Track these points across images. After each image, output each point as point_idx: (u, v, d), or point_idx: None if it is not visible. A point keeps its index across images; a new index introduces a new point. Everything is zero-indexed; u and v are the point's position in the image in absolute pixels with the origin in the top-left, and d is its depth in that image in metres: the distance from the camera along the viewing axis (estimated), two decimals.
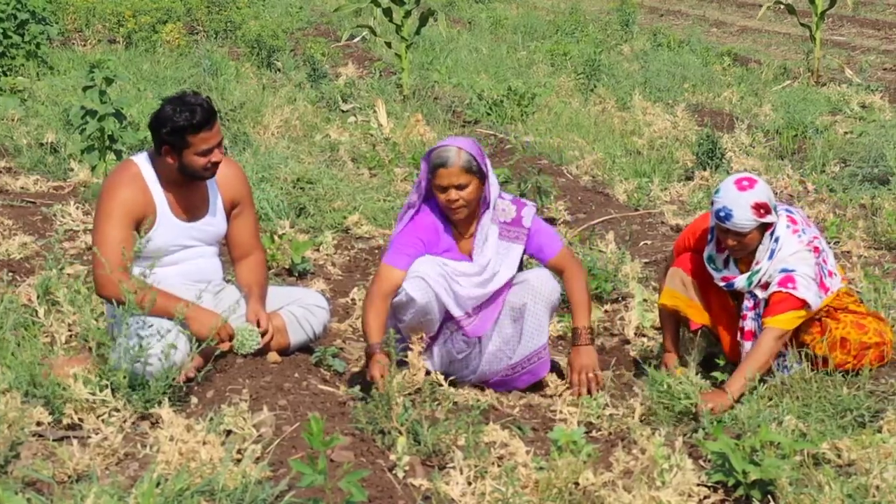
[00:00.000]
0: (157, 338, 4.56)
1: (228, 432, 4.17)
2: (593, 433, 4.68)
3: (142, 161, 4.95)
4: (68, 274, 6.11)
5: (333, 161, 9.46)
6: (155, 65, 13.88)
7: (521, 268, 5.27)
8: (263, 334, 4.96)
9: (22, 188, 8.34)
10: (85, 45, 15.71)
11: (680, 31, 18.52)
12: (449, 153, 4.91)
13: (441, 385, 4.71)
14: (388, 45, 13.38)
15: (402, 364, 4.70)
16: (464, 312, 5.05)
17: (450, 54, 15.20)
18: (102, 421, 4.37)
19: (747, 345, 4.97)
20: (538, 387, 5.22)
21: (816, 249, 4.93)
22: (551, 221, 7.98)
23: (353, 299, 6.33)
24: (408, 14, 12.71)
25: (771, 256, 4.91)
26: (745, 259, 5.01)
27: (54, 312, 5.54)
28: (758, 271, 4.93)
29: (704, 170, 9.03)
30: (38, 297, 5.71)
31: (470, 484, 3.92)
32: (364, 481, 3.69)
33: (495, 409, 4.97)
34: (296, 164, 8.46)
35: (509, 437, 4.28)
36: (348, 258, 7.29)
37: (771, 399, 4.70)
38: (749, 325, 4.98)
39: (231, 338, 4.89)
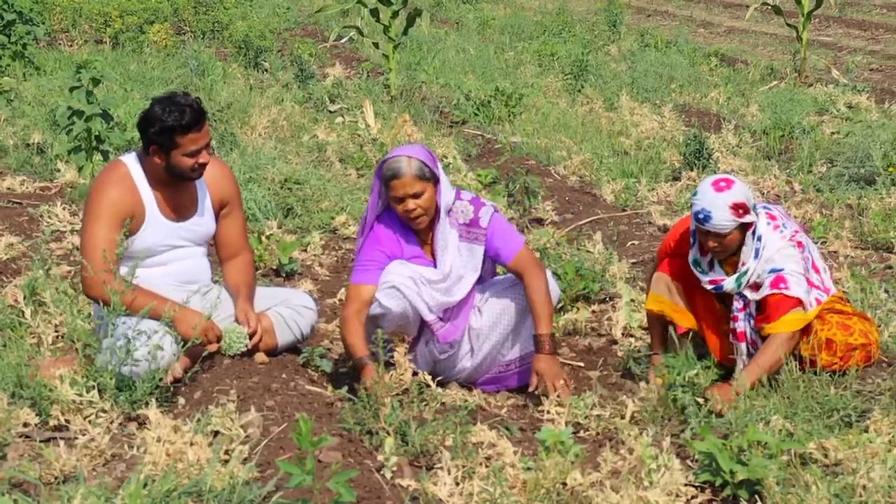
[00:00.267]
0: (144, 339, 4.56)
1: (216, 433, 4.16)
2: (581, 433, 4.68)
3: (130, 161, 4.94)
4: (60, 275, 6.08)
5: (321, 161, 9.45)
6: (142, 65, 13.85)
7: (493, 273, 5.26)
8: (251, 335, 4.96)
9: (8, 189, 8.31)
10: (72, 46, 15.68)
11: (667, 31, 18.54)
12: (399, 163, 4.84)
13: (429, 385, 4.70)
14: (376, 45, 13.37)
15: (388, 365, 4.70)
16: (436, 317, 5.03)
17: (437, 55, 15.20)
18: (89, 422, 4.36)
19: (741, 346, 4.98)
20: (526, 387, 5.22)
21: (800, 244, 4.95)
22: (539, 222, 7.99)
23: (340, 300, 6.33)
24: (395, 14, 12.71)
25: (756, 255, 4.92)
26: (729, 260, 5.02)
27: (41, 313, 5.53)
28: (745, 272, 4.94)
29: (692, 170, 9.04)
30: (24, 297, 5.70)
31: (458, 484, 3.92)
32: (352, 482, 3.69)
33: (483, 409, 4.97)
34: (283, 165, 8.45)
35: (497, 438, 4.28)
36: (336, 259, 7.29)
37: (758, 399, 4.71)
38: (741, 326, 4.99)
39: (219, 339, 4.88)
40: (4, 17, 12.63)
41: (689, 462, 4.27)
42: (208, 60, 13.47)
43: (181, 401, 4.57)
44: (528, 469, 4.00)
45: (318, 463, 3.86)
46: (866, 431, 4.31)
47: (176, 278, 4.99)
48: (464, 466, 4.01)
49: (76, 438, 4.19)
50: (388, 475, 4.00)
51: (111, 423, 4.39)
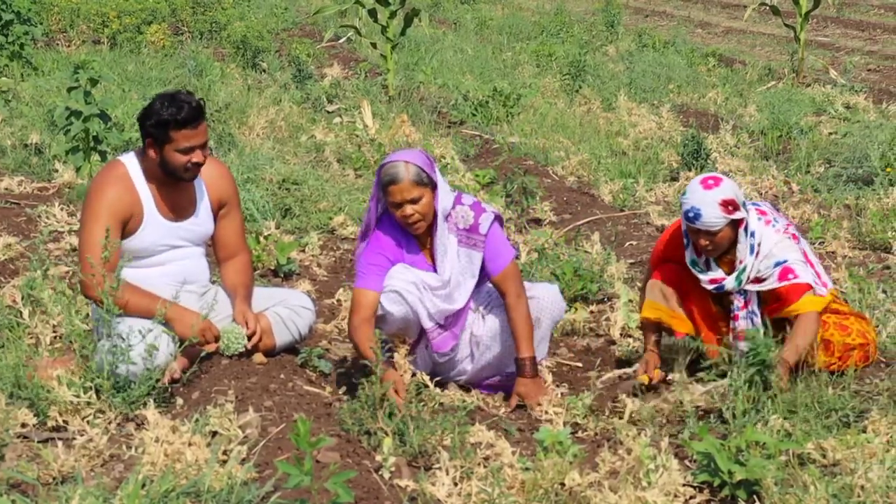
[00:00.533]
0: (140, 339, 4.56)
1: (214, 433, 4.16)
2: (579, 434, 4.69)
3: (129, 160, 4.94)
4: (58, 276, 6.08)
5: (319, 162, 9.45)
6: (140, 66, 13.84)
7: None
8: (250, 336, 4.95)
9: (6, 189, 8.30)
10: (69, 46, 15.66)
11: (665, 31, 18.54)
12: (397, 169, 4.80)
13: (427, 386, 4.70)
14: (374, 45, 13.36)
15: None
16: (434, 324, 5.02)
17: (435, 55, 15.20)
18: (87, 422, 4.36)
19: (741, 345, 4.98)
20: None
21: (794, 237, 4.99)
22: (537, 222, 8.00)
23: (338, 300, 6.32)
24: (393, 15, 12.71)
25: (752, 251, 4.93)
26: (724, 258, 5.03)
27: (39, 314, 5.52)
28: (744, 269, 4.96)
29: (689, 170, 9.04)
30: (22, 298, 5.69)
31: (456, 484, 3.92)
32: (350, 482, 3.69)
33: (481, 409, 4.97)
34: (281, 165, 8.45)
35: (495, 438, 4.28)
36: (334, 259, 7.28)
37: (757, 399, 4.70)
38: (742, 324, 4.99)
39: (217, 339, 4.88)
40: (2, 17, 12.62)
41: (687, 462, 4.27)
42: (206, 61, 13.47)
43: (179, 401, 4.56)
44: (527, 469, 4.00)
45: (316, 463, 3.85)
46: (864, 432, 4.31)
47: (174, 278, 4.98)
48: (462, 467, 4.02)
49: (74, 439, 4.19)
50: (387, 475, 4.00)
51: (109, 423, 4.39)
